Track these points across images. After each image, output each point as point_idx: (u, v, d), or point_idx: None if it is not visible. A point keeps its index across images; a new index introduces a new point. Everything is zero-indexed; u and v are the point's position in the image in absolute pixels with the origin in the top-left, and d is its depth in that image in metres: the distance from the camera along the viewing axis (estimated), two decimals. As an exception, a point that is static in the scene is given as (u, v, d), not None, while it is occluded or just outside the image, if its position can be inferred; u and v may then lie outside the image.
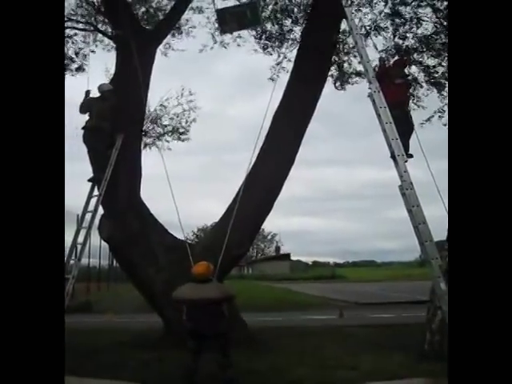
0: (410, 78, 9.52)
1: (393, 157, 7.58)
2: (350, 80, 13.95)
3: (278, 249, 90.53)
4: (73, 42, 13.58)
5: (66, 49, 13.57)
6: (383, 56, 9.10)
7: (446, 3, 11.47)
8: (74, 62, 13.69)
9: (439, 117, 12.77)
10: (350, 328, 12.55)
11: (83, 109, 9.70)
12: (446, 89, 12.61)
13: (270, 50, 13.82)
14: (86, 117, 9.68)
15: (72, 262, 9.18)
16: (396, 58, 10.26)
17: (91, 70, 13.25)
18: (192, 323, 6.55)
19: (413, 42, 12.80)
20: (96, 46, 13.85)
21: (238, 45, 13.90)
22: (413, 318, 12.90)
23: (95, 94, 9.93)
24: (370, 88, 8.17)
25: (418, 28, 12.57)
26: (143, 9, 13.82)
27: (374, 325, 13.00)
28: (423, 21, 12.37)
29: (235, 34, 13.16)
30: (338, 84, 13.92)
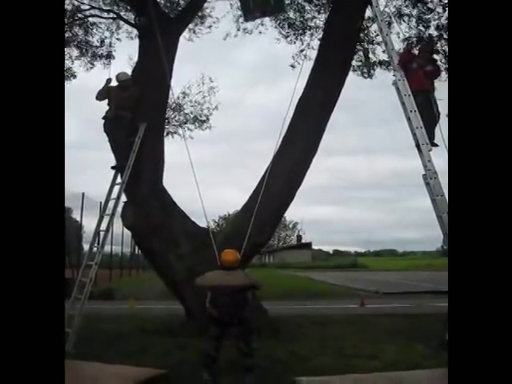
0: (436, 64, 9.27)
1: (417, 146, 7.51)
2: (373, 68, 13.85)
3: (299, 237, 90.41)
4: (97, 29, 13.68)
5: (90, 37, 13.72)
6: (409, 42, 8.88)
7: None
8: (98, 50, 13.82)
9: None
10: (371, 317, 12.52)
11: (100, 96, 9.71)
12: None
13: (292, 38, 13.80)
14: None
15: (95, 248, 9.27)
16: (423, 43, 10.00)
17: (115, 58, 13.39)
18: (216, 310, 6.59)
19: (436, 30, 12.66)
20: (118, 33, 13.93)
21: (260, 32, 13.90)
22: (434, 308, 12.84)
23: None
24: (394, 76, 8.09)
25: (441, 16, 12.43)
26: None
27: (395, 314, 12.93)
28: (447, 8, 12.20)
29: (258, 21, 13.14)
30: (363, 72, 13.83)
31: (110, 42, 13.90)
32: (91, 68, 14.03)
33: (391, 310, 14.06)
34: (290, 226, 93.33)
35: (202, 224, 10.46)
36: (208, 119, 16.51)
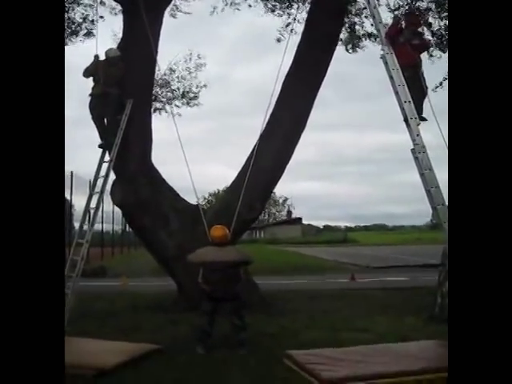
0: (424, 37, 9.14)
1: (405, 120, 7.49)
2: (360, 43, 13.76)
3: (289, 213, 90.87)
4: (78, 4, 13.40)
5: (73, 14, 13.44)
6: (396, 15, 8.76)
7: None
8: (81, 27, 13.57)
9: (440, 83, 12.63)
10: (362, 291, 12.65)
11: (87, 73, 9.56)
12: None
13: (279, 11, 13.60)
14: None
15: (85, 227, 9.25)
16: (409, 15, 9.81)
17: (99, 34, 13.15)
18: (209, 286, 6.65)
19: (425, 1, 12.59)
20: (101, 6, 13.66)
21: (250, 5, 13.68)
22: (424, 281, 12.98)
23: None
24: (382, 49, 8.04)
25: None
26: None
27: (385, 288, 13.08)
28: None
29: None
30: (349, 47, 13.74)
31: (93, 20, 13.62)
32: (73, 44, 13.74)
33: (381, 284, 14.21)
34: (280, 201, 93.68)
35: (192, 201, 10.48)
36: (196, 96, 16.41)
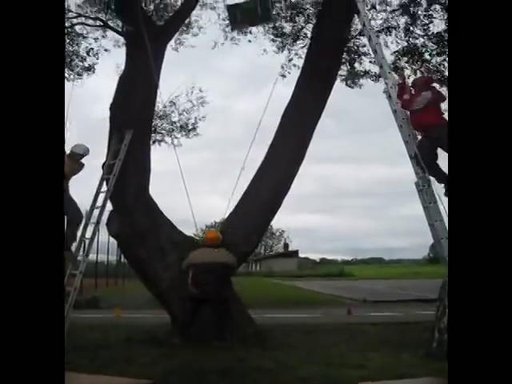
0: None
1: (409, 154, 7.52)
2: (360, 79, 13.99)
3: (286, 245, 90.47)
4: (83, 37, 13.64)
5: (76, 47, 13.67)
6: (400, 79, 8.49)
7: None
8: (85, 60, 13.79)
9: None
10: (358, 326, 12.50)
11: None
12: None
13: (279, 46, 13.91)
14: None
15: (80, 257, 9.18)
16: (418, 76, 9.46)
17: (102, 66, 13.37)
18: (197, 289, 6.72)
19: (423, 40, 12.82)
20: (103, 38, 13.90)
21: (249, 41, 13.97)
22: (421, 316, 12.84)
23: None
24: (385, 83, 8.10)
25: (428, 28, 12.58)
26: (154, 4, 13.86)
27: (382, 323, 12.94)
28: (434, 18, 12.38)
29: (245, 29, 13.21)
30: (349, 82, 13.96)
31: (96, 52, 13.85)
32: (79, 79, 13.94)
33: (378, 319, 14.06)
34: (277, 233, 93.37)
35: (189, 232, 10.43)
36: (195, 128, 16.50)
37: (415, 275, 53.27)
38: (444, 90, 8.36)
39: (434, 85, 8.40)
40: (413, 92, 8.09)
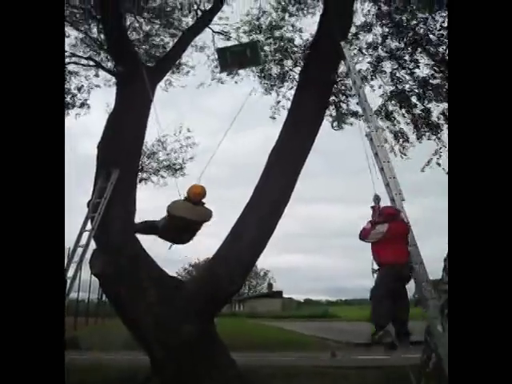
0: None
1: (390, 196, 7.55)
2: (346, 121, 14.24)
3: (270, 286, 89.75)
4: (75, 76, 13.88)
5: (68, 84, 13.87)
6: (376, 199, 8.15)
7: (441, 48, 11.77)
8: (75, 96, 13.97)
9: (437, 159, 13.03)
10: (342, 369, 12.35)
11: None
12: (443, 131, 12.87)
13: (267, 87, 14.20)
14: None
15: (61, 296, 9.01)
16: (385, 206, 8.04)
17: (93, 104, 13.59)
18: (169, 238, 7.04)
19: (410, 85, 13.11)
20: (95, 76, 14.16)
21: (236, 82, 14.25)
22: (405, 360, 12.70)
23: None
24: (368, 127, 8.19)
25: (413, 73, 12.88)
26: (145, 46, 14.16)
27: (366, 366, 12.79)
28: (419, 63, 12.68)
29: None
30: (335, 124, 14.19)
31: (89, 90, 14.07)
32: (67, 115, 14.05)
33: (362, 362, 13.91)
34: (261, 273, 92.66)
35: (172, 271, 10.32)
36: (182, 168, 16.60)
37: (399, 317, 52.93)
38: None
39: (401, 216, 7.60)
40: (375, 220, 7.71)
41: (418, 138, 13.47)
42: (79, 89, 14.02)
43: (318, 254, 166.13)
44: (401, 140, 13.76)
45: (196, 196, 7.22)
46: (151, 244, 10.46)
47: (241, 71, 13.95)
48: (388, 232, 7.30)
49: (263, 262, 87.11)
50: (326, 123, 12.63)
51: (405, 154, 13.75)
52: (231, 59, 10.19)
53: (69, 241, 9.58)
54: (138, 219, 10.34)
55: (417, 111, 13.28)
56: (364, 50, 13.22)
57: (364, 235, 7.57)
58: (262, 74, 14.10)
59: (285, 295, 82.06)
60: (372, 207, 8.00)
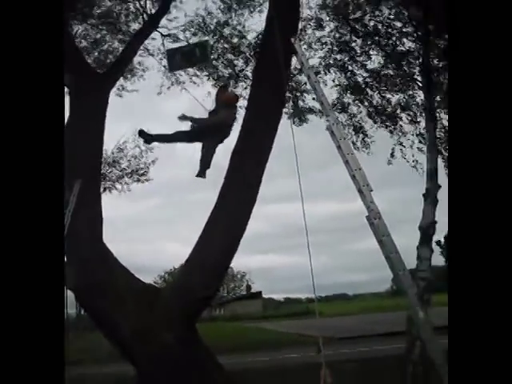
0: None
1: (358, 188, 7.50)
2: (304, 116, 14.34)
3: (248, 287, 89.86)
4: None
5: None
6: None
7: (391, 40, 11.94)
8: None
9: (391, 154, 13.27)
10: (328, 364, 12.29)
11: None
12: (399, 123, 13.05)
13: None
14: None
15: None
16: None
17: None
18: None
19: (362, 77, 13.26)
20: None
21: (195, 83, 14.32)
22: (391, 350, 12.74)
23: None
24: (327, 120, 8.12)
25: (365, 65, 13.00)
26: (95, 53, 14.01)
27: (352, 360, 12.78)
28: (371, 55, 12.84)
29: (191, 73, 13.53)
30: (294, 120, 14.26)
31: None
32: None
33: (348, 356, 13.90)
34: (239, 276, 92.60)
35: (147, 280, 10.15)
36: (145, 173, 16.49)
37: (380, 309, 53.50)
38: None
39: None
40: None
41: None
42: None
43: (291, 253, 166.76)
44: (360, 135, 14.01)
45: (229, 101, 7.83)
46: (123, 253, 10.29)
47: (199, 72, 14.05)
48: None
49: (239, 264, 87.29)
50: (286, 121, 12.62)
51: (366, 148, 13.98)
52: (180, 59, 10.24)
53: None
54: (105, 228, 10.18)
55: (373, 102, 13.43)
56: (313, 45, 13.36)
57: None
58: (215, 76, 14.25)
59: (264, 295, 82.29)
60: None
